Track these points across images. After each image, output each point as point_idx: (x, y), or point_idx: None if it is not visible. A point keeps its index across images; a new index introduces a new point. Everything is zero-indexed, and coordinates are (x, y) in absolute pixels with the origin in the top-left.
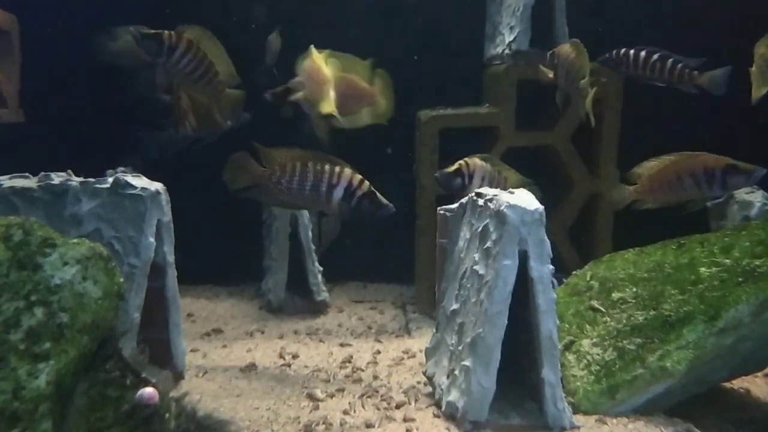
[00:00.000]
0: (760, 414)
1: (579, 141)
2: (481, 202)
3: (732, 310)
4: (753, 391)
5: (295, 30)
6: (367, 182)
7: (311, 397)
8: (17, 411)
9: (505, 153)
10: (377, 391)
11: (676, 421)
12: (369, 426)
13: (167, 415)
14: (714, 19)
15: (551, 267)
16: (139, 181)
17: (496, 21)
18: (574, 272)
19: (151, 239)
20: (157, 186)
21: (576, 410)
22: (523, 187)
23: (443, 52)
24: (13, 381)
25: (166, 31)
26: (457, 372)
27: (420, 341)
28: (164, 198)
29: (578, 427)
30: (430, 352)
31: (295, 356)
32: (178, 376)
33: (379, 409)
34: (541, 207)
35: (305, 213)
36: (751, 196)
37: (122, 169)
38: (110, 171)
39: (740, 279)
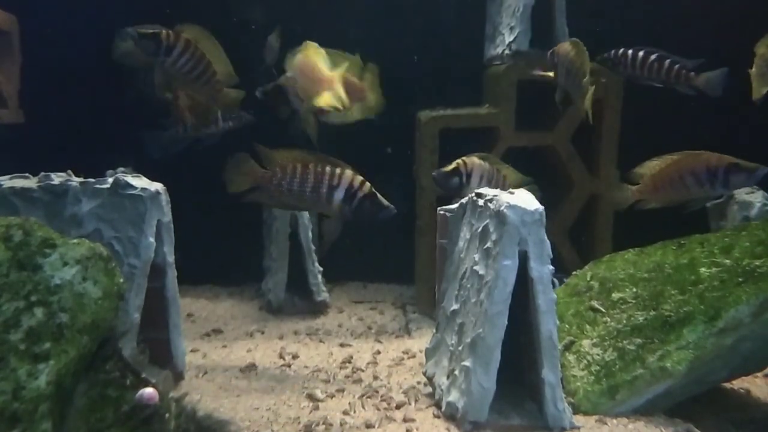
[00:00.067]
0: (760, 414)
1: (579, 141)
2: (481, 202)
3: (732, 311)
4: (753, 392)
5: (295, 30)
6: (368, 183)
7: (311, 397)
8: (17, 411)
9: (505, 153)
10: (377, 392)
11: (676, 421)
12: (369, 426)
13: (167, 415)
14: (714, 19)
15: (551, 267)
16: (139, 182)
17: (496, 21)
18: (574, 272)
19: (151, 239)
20: (157, 186)
21: (576, 410)
22: (522, 185)
23: (443, 53)
24: (13, 381)
25: (164, 31)
26: (457, 372)
27: (420, 341)
28: (164, 198)
29: (578, 428)
30: (430, 353)
31: (295, 356)
32: (178, 377)
33: (379, 409)
34: (541, 207)
35: (305, 213)
36: (751, 197)
37: (122, 169)
38: (110, 171)
39: (740, 279)
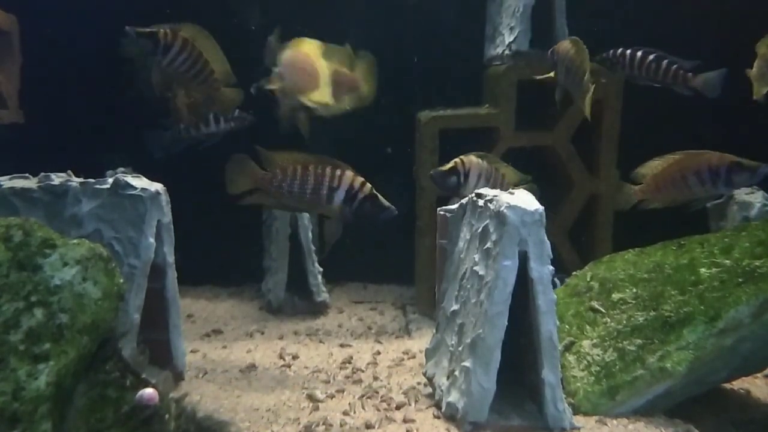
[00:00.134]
0: (760, 415)
1: (579, 141)
2: (481, 202)
3: (732, 311)
4: (753, 392)
5: (295, 31)
6: (368, 185)
7: (311, 397)
8: (17, 412)
9: (505, 153)
10: (377, 392)
11: (676, 422)
12: (369, 427)
13: (167, 416)
14: (714, 19)
15: (551, 268)
16: (139, 182)
17: (496, 22)
18: (574, 273)
19: (151, 240)
20: (157, 187)
21: (576, 411)
22: (521, 184)
23: (443, 53)
24: (13, 382)
25: (161, 30)
26: (457, 373)
27: (420, 342)
28: (164, 199)
29: (578, 428)
30: (430, 353)
31: (295, 357)
32: (178, 377)
33: (379, 410)
34: (541, 208)
35: (305, 214)
36: (750, 197)
37: (122, 169)
38: (110, 171)
39: (740, 280)
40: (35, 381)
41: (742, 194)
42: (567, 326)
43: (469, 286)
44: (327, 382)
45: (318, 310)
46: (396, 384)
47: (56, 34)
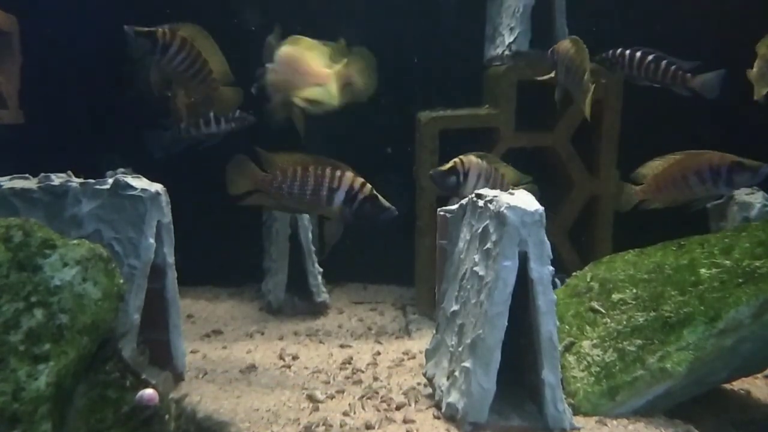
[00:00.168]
0: (760, 415)
1: (579, 142)
2: (481, 203)
3: (732, 312)
4: (753, 393)
5: (295, 31)
6: (368, 185)
7: (311, 398)
8: (17, 412)
9: (505, 154)
10: (377, 393)
11: (676, 422)
12: (369, 427)
13: (167, 416)
14: (714, 19)
15: (551, 268)
16: (139, 183)
17: (496, 22)
18: (574, 273)
19: (151, 240)
20: (157, 187)
21: (576, 412)
22: (521, 183)
23: (443, 54)
24: (13, 382)
25: (160, 29)
26: (457, 373)
27: (420, 342)
28: (164, 199)
29: (578, 429)
30: (430, 354)
31: (295, 357)
32: (178, 378)
33: (379, 410)
34: (541, 208)
35: (305, 214)
36: (751, 197)
37: (122, 170)
38: (110, 172)
39: (740, 280)
40: (35, 381)
41: (742, 195)
42: (567, 327)
43: (469, 286)
44: (327, 382)
45: (318, 310)
46: (396, 384)
47: (56, 35)
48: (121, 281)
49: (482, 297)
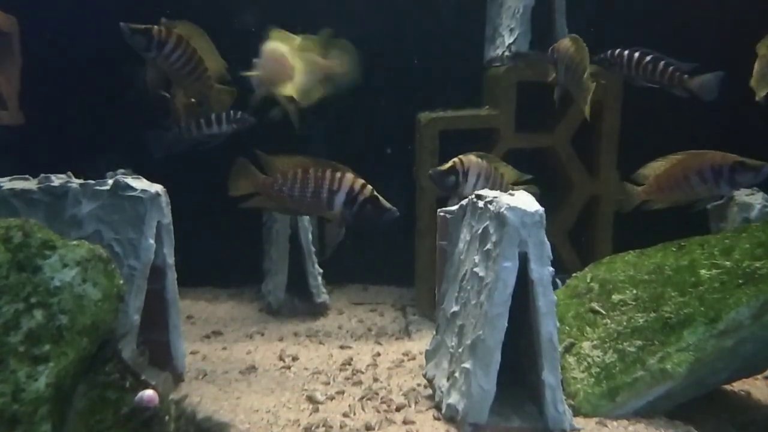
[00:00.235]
0: (760, 416)
1: (579, 143)
2: (481, 204)
3: (732, 313)
4: (754, 394)
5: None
6: (369, 187)
7: (311, 399)
8: (16, 413)
9: (505, 155)
10: (377, 394)
11: (676, 423)
12: (369, 428)
13: (167, 417)
14: (715, 20)
15: (551, 269)
16: (139, 183)
17: (496, 23)
18: (574, 274)
19: (151, 241)
20: (157, 188)
21: (576, 413)
22: (520, 183)
23: (443, 54)
24: (13, 383)
25: (155, 27)
26: (457, 374)
27: (420, 343)
28: (164, 200)
29: (578, 430)
30: (430, 355)
31: (294, 358)
32: (178, 379)
33: (379, 411)
34: (541, 209)
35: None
36: (751, 198)
37: (122, 171)
38: (110, 173)
39: (740, 281)
40: (35, 382)
41: (742, 195)
42: (567, 327)
43: (469, 287)
44: (327, 383)
45: (318, 311)
46: (396, 385)
47: (56, 36)
48: (121, 282)
49: (482, 298)
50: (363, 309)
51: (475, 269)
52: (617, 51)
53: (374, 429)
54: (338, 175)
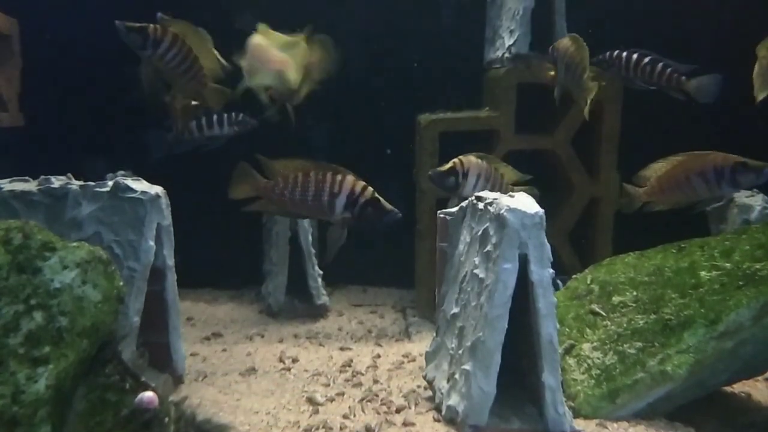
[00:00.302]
0: (761, 418)
1: (579, 144)
2: (481, 205)
3: (732, 314)
4: (754, 395)
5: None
6: (370, 189)
7: (311, 401)
8: (16, 415)
9: (505, 156)
10: (377, 395)
11: (676, 425)
12: (369, 430)
13: (167, 419)
14: (715, 20)
15: (551, 270)
16: (139, 185)
17: (496, 25)
18: (574, 276)
19: (151, 243)
20: (157, 189)
21: (576, 414)
22: (520, 183)
23: (443, 56)
24: (13, 385)
25: (151, 25)
26: (457, 376)
27: (420, 345)
28: (164, 202)
29: None
30: (430, 356)
31: (294, 360)
32: (178, 380)
33: (379, 413)
34: (541, 210)
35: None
36: (751, 200)
37: (122, 172)
38: (110, 174)
39: (741, 283)
40: (35, 384)
41: (742, 197)
42: (567, 329)
43: (469, 289)
44: (327, 385)
45: (318, 313)
46: (396, 387)
47: (56, 37)
48: (121, 284)
49: (482, 299)
50: (363, 311)
51: (475, 271)
52: (615, 52)
53: (374, 430)
54: (339, 177)
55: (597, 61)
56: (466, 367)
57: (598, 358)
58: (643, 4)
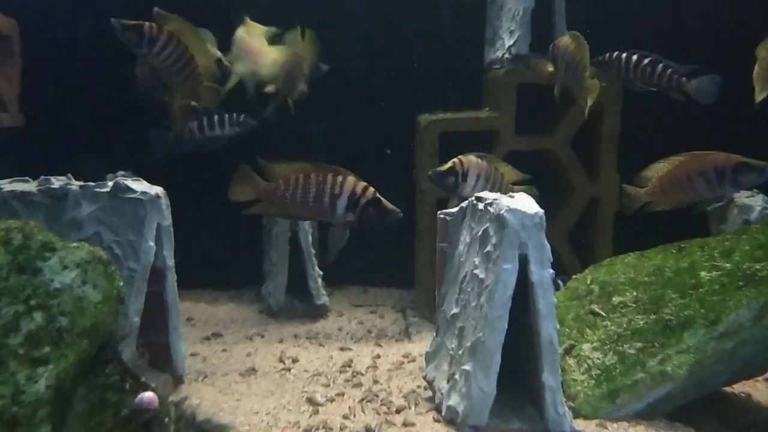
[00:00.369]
0: (761, 418)
1: (579, 145)
2: (481, 206)
3: (732, 315)
4: (754, 396)
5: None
6: (371, 189)
7: (311, 401)
8: (16, 415)
9: (505, 157)
10: (377, 396)
11: (677, 425)
12: (369, 430)
13: (167, 419)
14: (715, 21)
15: (551, 271)
16: (139, 185)
17: (496, 25)
18: (574, 276)
19: (151, 243)
20: (156, 190)
21: (576, 415)
22: (520, 182)
23: (443, 56)
24: (12, 385)
25: (147, 23)
26: (457, 376)
27: (420, 345)
28: (164, 202)
29: None
30: (430, 357)
31: (294, 360)
32: (178, 381)
33: (379, 413)
34: (541, 211)
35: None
36: (751, 200)
37: (122, 173)
38: (110, 175)
39: (741, 283)
40: (35, 384)
41: (742, 197)
42: (567, 329)
43: (469, 289)
44: (327, 385)
45: (318, 313)
46: (396, 387)
47: (56, 38)
48: (121, 284)
49: (482, 300)
50: (363, 311)
51: (475, 271)
52: (615, 53)
53: (374, 431)
54: (339, 179)
55: (597, 62)
56: (466, 367)
57: (598, 359)
58: (643, 4)
